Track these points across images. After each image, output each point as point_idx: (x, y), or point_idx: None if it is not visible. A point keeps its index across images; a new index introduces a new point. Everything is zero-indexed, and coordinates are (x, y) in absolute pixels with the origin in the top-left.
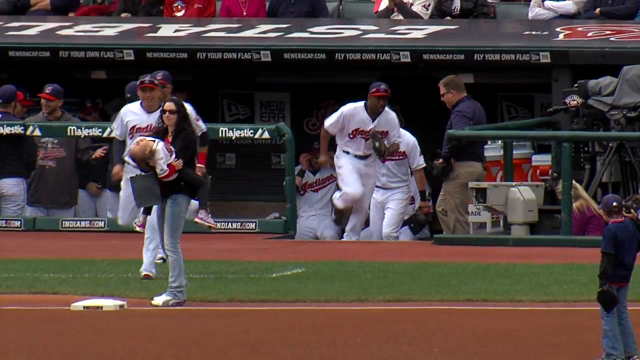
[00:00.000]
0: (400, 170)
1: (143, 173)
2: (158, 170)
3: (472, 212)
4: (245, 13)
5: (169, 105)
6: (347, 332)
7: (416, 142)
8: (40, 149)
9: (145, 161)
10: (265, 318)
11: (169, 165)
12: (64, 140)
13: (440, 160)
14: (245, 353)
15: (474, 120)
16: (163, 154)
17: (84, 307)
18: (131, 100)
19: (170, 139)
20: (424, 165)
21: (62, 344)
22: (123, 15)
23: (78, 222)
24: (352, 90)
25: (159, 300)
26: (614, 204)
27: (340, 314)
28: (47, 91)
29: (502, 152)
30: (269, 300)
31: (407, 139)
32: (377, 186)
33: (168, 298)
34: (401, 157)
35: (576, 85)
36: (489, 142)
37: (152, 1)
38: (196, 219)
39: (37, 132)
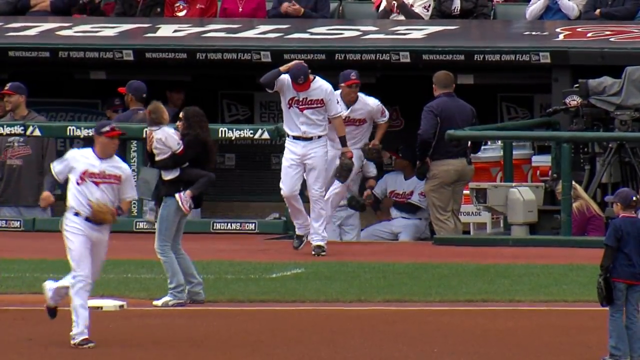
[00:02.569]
0: (318, 118)
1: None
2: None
3: (472, 212)
4: (240, 9)
5: (181, 113)
6: (346, 332)
7: (333, 90)
8: (8, 148)
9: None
10: (265, 318)
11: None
12: (30, 138)
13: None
14: (245, 353)
15: (442, 116)
16: (160, 145)
17: None
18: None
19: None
20: (342, 112)
21: (62, 344)
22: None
23: None
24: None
25: (159, 301)
26: (634, 198)
27: (340, 314)
28: (6, 87)
29: (502, 152)
30: (269, 300)
31: (324, 87)
32: (295, 137)
33: (168, 299)
34: (320, 105)
35: (576, 85)
36: (489, 143)
37: (149, 4)
38: (176, 194)
39: (37, 133)
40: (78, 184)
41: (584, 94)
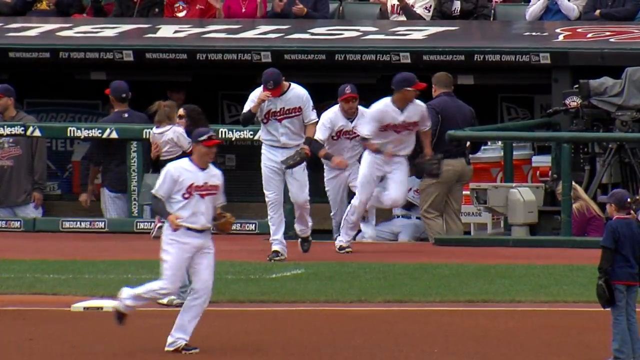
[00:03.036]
0: (295, 126)
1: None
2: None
3: (472, 213)
4: (244, 10)
5: (180, 111)
6: (347, 332)
7: (309, 96)
8: None
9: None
10: (265, 318)
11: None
12: (20, 139)
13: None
14: (246, 353)
15: (442, 114)
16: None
17: (84, 308)
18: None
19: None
20: (317, 119)
21: (62, 344)
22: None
23: (78, 223)
24: None
25: (164, 299)
26: (628, 199)
27: (340, 314)
28: None
29: (502, 153)
30: (269, 300)
31: (300, 93)
32: (274, 145)
33: (173, 297)
34: (297, 114)
35: (576, 86)
36: (489, 143)
37: (147, 5)
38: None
39: (38, 133)
40: (185, 198)
41: (586, 95)
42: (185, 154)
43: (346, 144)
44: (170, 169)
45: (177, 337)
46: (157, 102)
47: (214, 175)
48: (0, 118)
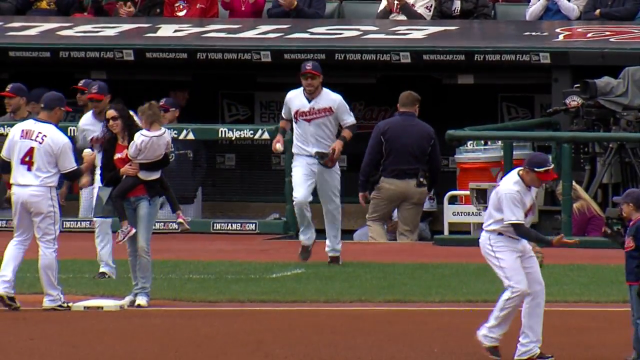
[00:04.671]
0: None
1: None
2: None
3: (472, 212)
4: (243, 8)
5: (111, 113)
6: (347, 332)
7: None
8: None
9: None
10: (265, 318)
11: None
12: None
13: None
14: (246, 353)
15: (386, 134)
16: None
17: (84, 307)
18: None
19: (125, 144)
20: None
21: (62, 344)
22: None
23: (78, 223)
24: (353, 90)
25: (143, 301)
26: None
27: (341, 314)
28: (7, 89)
29: (502, 152)
30: (269, 300)
31: (332, 97)
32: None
33: (146, 299)
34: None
35: (577, 85)
36: (489, 143)
37: (147, 5)
38: (180, 219)
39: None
40: None
41: (593, 94)
42: (163, 160)
43: (306, 128)
44: None
45: (530, 343)
46: (150, 102)
47: None
48: (11, 117)
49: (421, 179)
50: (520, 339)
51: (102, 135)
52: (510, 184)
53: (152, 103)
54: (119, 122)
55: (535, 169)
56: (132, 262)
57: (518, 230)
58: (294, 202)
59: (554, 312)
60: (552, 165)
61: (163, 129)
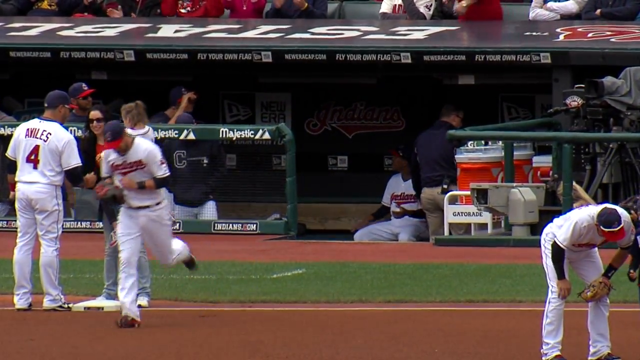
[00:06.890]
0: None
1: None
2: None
3: (473, 213)
4: (244, 7)
5: (95, 114)
6: (347, 332)
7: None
8: None
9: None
10: (266, 319)
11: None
12: None
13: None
14: (246, 353)
15: (416, 147)
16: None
17: (84, 307)
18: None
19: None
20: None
21: (62, 344)
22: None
23: (78, 223)
24: (353, 91)
25: (144, 301)
26: None
27: (341, 314)
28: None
29: (502, 153)
30: (270, 301)
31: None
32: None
33: (147, 298)
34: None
35: (578, 85)
36: (490, 143)
37: (148, 5)
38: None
39: None
40: None
41: (601, 93)
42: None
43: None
44: None
45: (602, 346)
46: (136, 101)
47: None
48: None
49: (444, 186)
50: (592, 342)
51: (83, 136)
52: (586, 214)
53: (138, 103)
54: (102, 124)
55: (602, 227)
56: (109, 262)
57: (553, 250)
58: None
59: None
60: (621, 226)
61: (147, 128)
